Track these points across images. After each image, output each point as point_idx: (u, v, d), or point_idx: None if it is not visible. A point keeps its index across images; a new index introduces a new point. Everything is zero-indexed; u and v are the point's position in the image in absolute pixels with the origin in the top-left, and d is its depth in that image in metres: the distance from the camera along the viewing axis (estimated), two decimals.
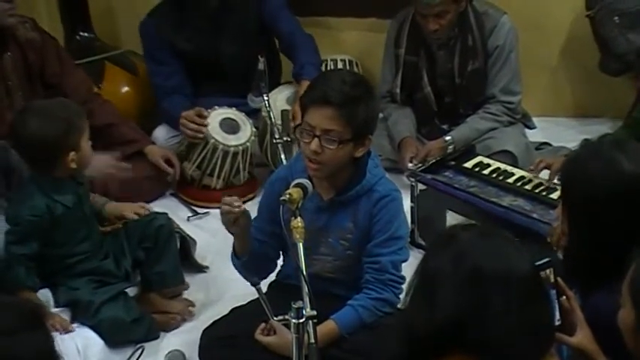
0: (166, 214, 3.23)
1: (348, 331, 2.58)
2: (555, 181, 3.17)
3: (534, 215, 3.07)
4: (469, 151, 3.59)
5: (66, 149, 2.81)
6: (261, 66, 3.43)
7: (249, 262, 2.68)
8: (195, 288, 3.26)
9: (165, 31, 3.93)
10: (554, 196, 3.15)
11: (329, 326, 2.56)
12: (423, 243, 3.39)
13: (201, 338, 2.75)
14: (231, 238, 3.56)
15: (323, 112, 2.49)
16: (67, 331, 2.83)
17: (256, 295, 2.36)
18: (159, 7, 3.98)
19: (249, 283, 2.45)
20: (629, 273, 1.77)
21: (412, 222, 3.37)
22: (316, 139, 2.50)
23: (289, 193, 2.32)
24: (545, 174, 3.28)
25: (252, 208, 3.68)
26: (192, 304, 3.15)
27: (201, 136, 3.78)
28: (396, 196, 2.65)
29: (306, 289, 2.18)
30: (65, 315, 2.91)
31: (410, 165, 3.62)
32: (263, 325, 2.56)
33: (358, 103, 2.50)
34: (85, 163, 2.90)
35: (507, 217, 3.10)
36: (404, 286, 2.57)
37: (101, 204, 3.18)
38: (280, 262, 2.86)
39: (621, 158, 2.07)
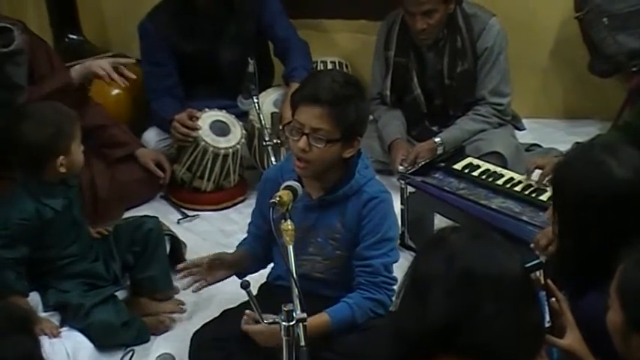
0: (156, 217, 3.23)
1: (339, 326, 2.56)
2: (545, 182, 3.18)
3: (524, 217, 3.08)
4: (459, 153, 3.60)
5: (55, 154, 2.80)
6: (251, 68, 3.44)
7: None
8: (185, 290, 3.24)
9: (166, 32, 3.92)
10: (544, 197, 3.16)
11: (322, 318, 2.54)
12: (413, 245, 3.39)
13: (191, 341, 2.74)
14: (221, 240, 3.59)
15: (313, 110, 2.50)
16: (55, 336, 2.81)
17: (247, 298, 2.35)
18: (159, 9, 3.97)
19: (239, 285, 2.44)
20: (616, 275, 1.77)
21: (402, 224, 3.37)
22: (304, 137, 2.51)
23: (279, 196, 2.33)
24: (537, 174, 3.28)
25: (243, 210, 3.72)
26: (182, 303, 3.13)
27: (190, 139, 3.78)
28: (385, 197, 2.65)
29: (296, 291, 2.18)
30: (54, 319, 2.90)
31: (400, 167, 3.62)
32: (248, 311, 2.55)
33: (348, 103, 2.50)
34: (75, 168, 2.89)
35: (496, 219, 3.10)
36: (395, 288, 2.57)
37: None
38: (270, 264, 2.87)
39: (611, 162, 2.08)
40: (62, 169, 2.82)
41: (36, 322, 2.62)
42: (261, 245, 2.81)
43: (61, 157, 2.80)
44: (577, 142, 2.40)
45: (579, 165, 2.14)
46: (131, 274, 3.11)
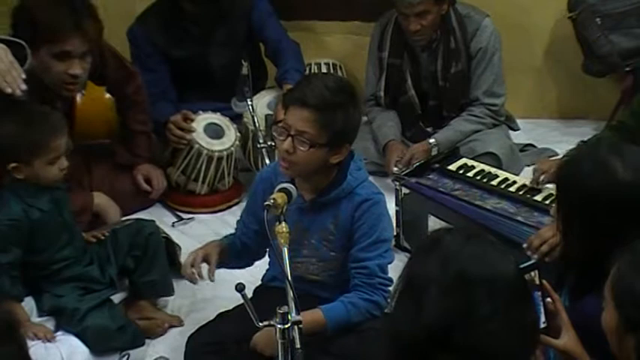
0: (154, 221, 3.22)
1: (333, 325, 2.55)
2: (548, 186, 3.17)
3: (518, 218, 3.08)
4: (453, 154, 3.60)
5: (9, 159, 2.77)
6: (244, 71, 3.43)
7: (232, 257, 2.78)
8: (180, 293, 3.24)
9: (155, 37, 3.92)
10: (539, 198, 3.16)
11: (316, 314, 2.53)
12: (408, 246, 3.39)
13: (186, 344, 2.74)
14: None
15: (300, 113, 2.50)
16: (50, 340, 2.80)
17: (242, 300, 2.35)
18: (148, 14, 3.96)
19: (234, 288, 2.44)
20: (610, 275, 1.77)
21: (397, 225, 3.37)
22: (289, 139, 2.51)
23: (274, 198, 2.32)
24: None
25: (238, 212, 3.66)
26: (181, 320, 3.13)
27: (185, 142, 3.78)
28: (378, 199, 2.64)
29: (291, 294, 2.18)
30: (49, 324, 2.89)
31: (395, 169, 3.62)
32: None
33: (337, 109, 2.49)
34: (40, 180, 2.83)
35: (491, 220, 3.10)
36: (391, 289, 2.57)
37: None
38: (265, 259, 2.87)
39: (617, 164, 2.07)
40: (19, 175, 2.79)
41: (22, 326, 2.59)
42: (242, 243, 2.80)
43: (14, 164, 2.77)
44: (582, 141, 2.39)
45: (585, 162, 2.14)
46: (131, 278, 3.10)
